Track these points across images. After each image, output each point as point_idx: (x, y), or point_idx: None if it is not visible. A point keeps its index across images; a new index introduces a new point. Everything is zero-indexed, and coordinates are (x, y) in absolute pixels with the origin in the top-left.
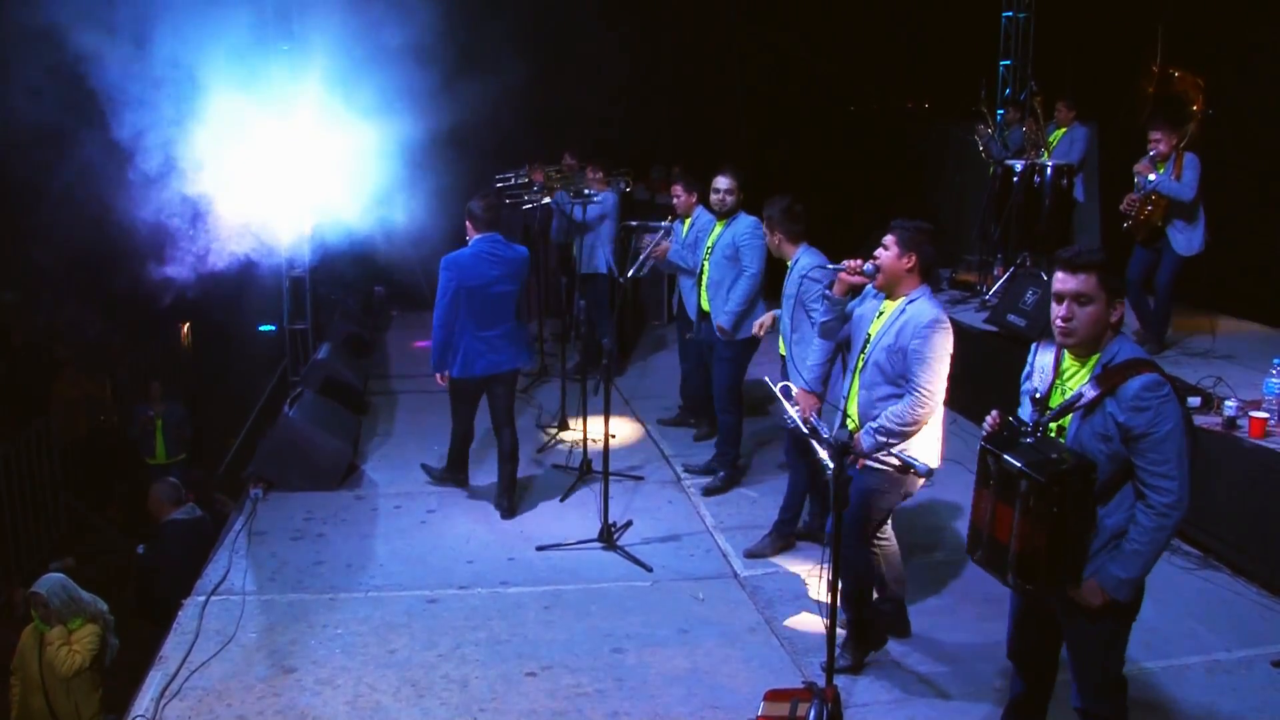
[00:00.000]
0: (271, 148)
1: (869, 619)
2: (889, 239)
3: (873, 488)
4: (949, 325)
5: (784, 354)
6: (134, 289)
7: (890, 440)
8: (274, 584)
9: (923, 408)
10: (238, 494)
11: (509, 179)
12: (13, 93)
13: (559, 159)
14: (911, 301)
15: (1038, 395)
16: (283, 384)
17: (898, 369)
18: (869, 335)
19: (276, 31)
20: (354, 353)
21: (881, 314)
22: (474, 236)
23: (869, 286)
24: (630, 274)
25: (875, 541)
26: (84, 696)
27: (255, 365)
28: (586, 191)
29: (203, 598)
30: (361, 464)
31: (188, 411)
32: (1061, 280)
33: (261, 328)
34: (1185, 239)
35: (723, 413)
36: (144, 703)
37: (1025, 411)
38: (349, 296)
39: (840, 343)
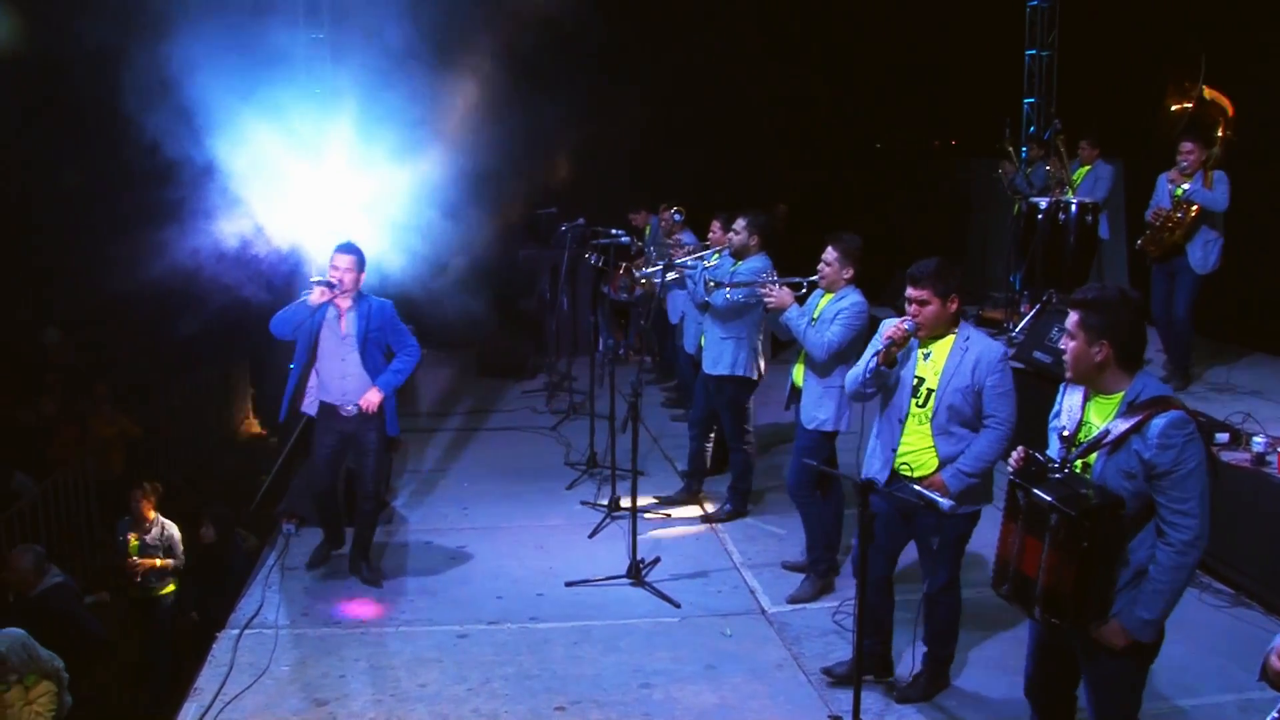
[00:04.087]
0: (304, 187)
1: (949, 656)
2: (922, 293)
3: (966, 533)
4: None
5: (798, 385)
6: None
7: (976, 479)
8: (306, 618)
9: (1005, 441)
10: (267, 529)
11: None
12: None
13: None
14: (968, 339)
15: (1065, 433)
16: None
17: (975, 408)
18: (919, 379)
19: (308, 75)
20: None
21: (929, 355)
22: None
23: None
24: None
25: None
26: None
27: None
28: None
29: (236, 631)
30: (392, 500)
31: (175, 535)
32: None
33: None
34: (1202, 256)
35: (734, 451)
36: None
37: (1053, 449)
38: None
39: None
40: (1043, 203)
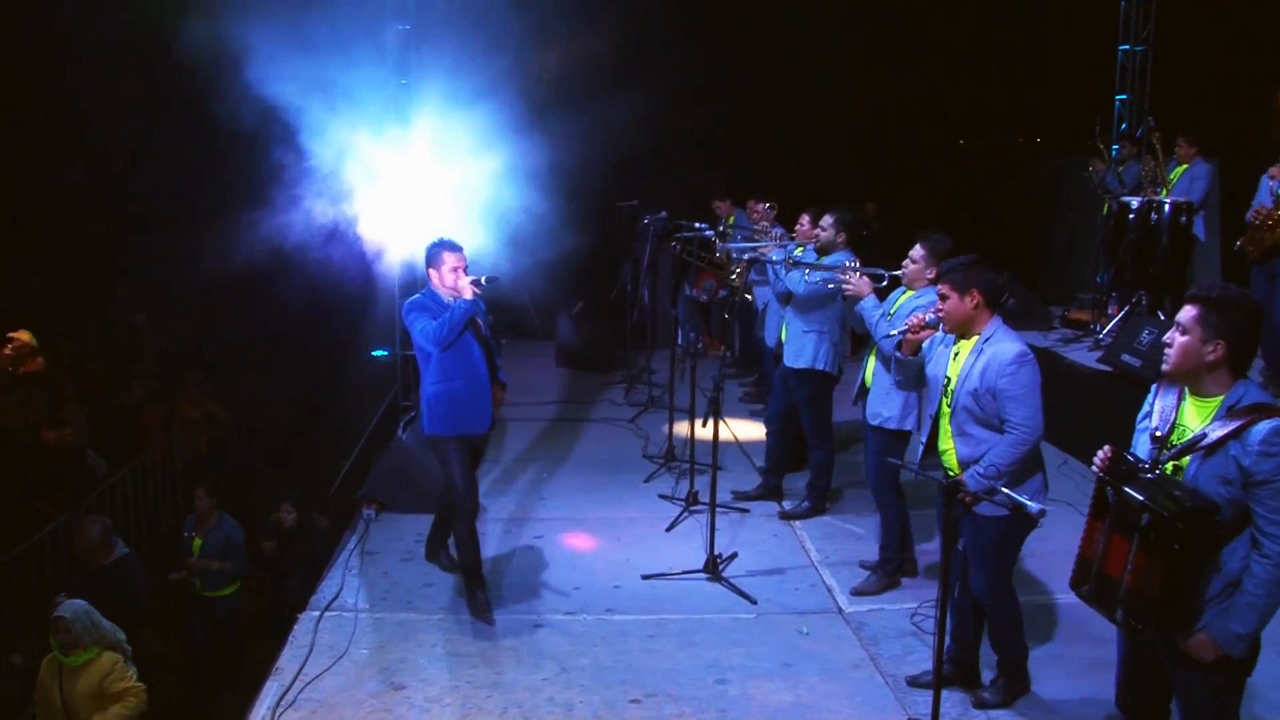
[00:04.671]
0: (387, 179)
1: (1021, 659)
2: (944, 288)
3: (1001, 537)
4: (1033, 356)
5: (868, 384)
6: (256, 313)
7: (997, 483)
8: (385, 603)
9: (1026, 445)
10: (347, 514)
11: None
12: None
13: (669, 189)
14: (988, 340)
15: (1158, 434)
16: (393, 408)
17: (989, 411)
18: (948, 379)
19: (395, 66)
20: None
21: (957, 355)
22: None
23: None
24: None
25: None
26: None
27: (366, 389)
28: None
29: (317, 613)
30: None
31: (237, 539)
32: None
33: (374, 352)
34: None
35: (814, 449)
36: (261, 711)
37: (1141, 450)
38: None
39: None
40: (1134, 202)
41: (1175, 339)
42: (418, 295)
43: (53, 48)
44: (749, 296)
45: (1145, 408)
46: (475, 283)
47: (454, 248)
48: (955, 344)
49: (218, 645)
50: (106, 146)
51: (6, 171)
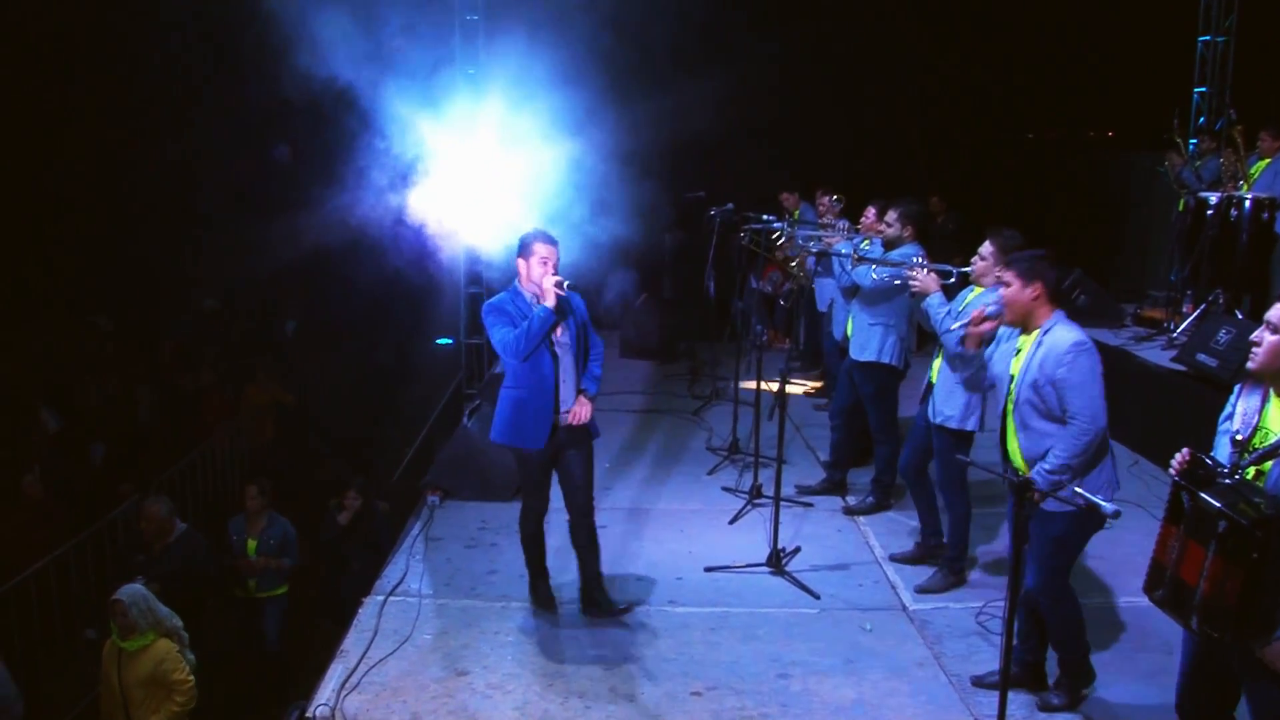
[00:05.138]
0: (454, 168)
1: (1083, 658)
2: (1008, 274)
3: (1062, 534)
4: (1092, 345)
5: (933, 381)
6: (324, 299)
7: (1063, 476)
8: (449, 589)
9: (1088, 435)
10: (410, 501)
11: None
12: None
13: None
14: (1047, 331)
15: (1239, 437)
16: (457, 396)
17: (1050, 402)
18: (1012, 375)
19: (462, 56)
20: None
21: (1020, 350)
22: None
23: (1002, 327)
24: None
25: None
26: (167, 715)
27: (431, 377)
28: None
29: (381, 597)
30: None
31: (292, 534)
32: (1272, 309)
33: (439, 341)
34: None
35: (879, 444)
36: (326, 692)
37: (1221, 453)
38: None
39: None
40: (1213, 198)
41: (1265, 337)
42: (499, 295)
43: (126, 39)
44: (810, 286)
45: (1227, 409)
46: (558, 285)
47: (547, 239)
48: (1019, 340)
49: (268, 648)
50: (179, 135)
51: (81, 158)
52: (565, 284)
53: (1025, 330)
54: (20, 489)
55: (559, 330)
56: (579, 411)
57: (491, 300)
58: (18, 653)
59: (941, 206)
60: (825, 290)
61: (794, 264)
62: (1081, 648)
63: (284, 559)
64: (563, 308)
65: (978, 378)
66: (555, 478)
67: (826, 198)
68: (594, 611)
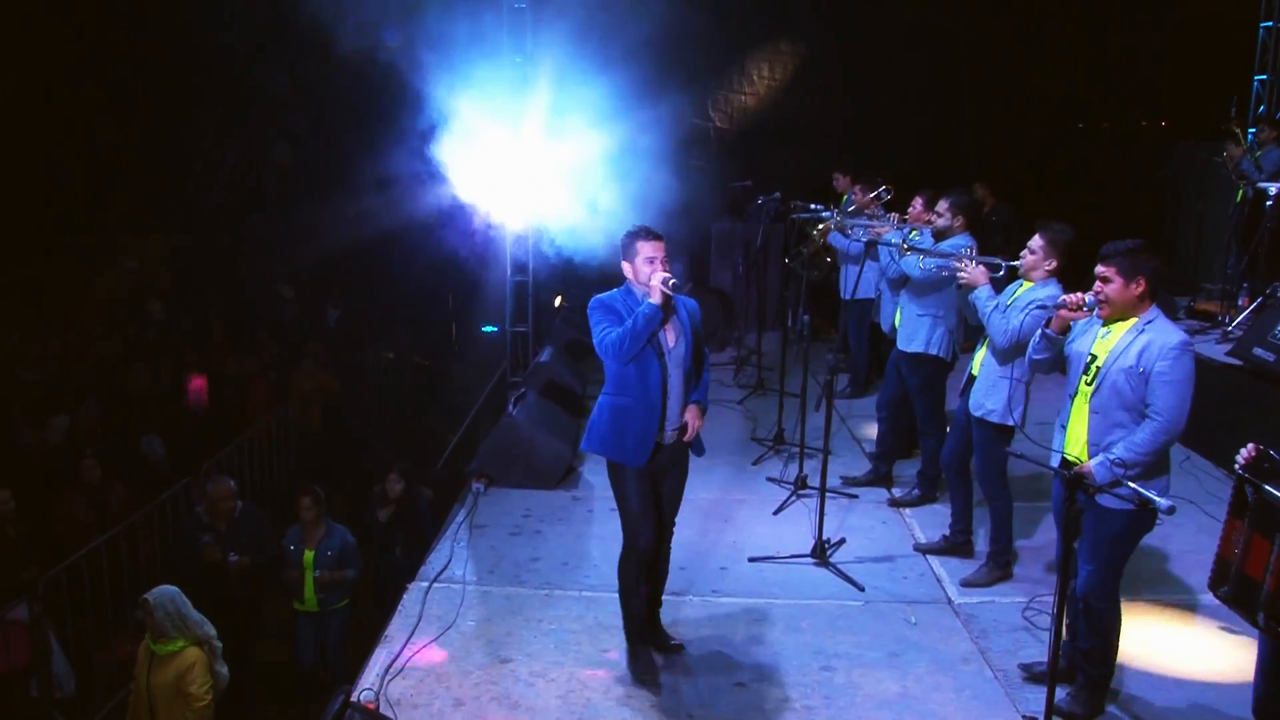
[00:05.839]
0: (501, 156)
1: (1108, 675)
2: (1108, 270)
3: (1119, 534)
4: (1193, 346)
5: (975, 374)
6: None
7: (1128, 472)
8: (493, 576)
9: (1167, 435)
10: (454, 488)
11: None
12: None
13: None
14: (1149, 323)
15: None
16: (502, 384)
17: (1138, 393)
18: (1093, 356)
19: (509, 44)
20: (574, 357)
21: (1108, 334)
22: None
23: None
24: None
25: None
26: None
27: (475, 365)
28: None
29: (426, 584)
30: (579, 466)
31: (352, 543)
32: None
33: (484, 329)
34: None
35: (925, 436)
36: (370, 677)
37: None
38: (571, 302)
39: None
40: (1272, 188)
41: None
42: (608, 292)
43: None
44: (829, 260)
45: None
46: (666, 282)
47: (649, 235)
48: (1106, 324)
49: (330, 664)
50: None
51: (134, 144)
52: (673, 283)
53: (1117, 321)
54: (76, 472)
55: (671, 338)
56: (692, 423)
57: (600, 296)
58: (71, 632)
59: (988, 197)
60: (850, 278)
61: (817, 232)
62: (1110, 665)
63: (346, 570)
64: (671, 307)
65: (1051, 362)
66: None
67: (857, 188)
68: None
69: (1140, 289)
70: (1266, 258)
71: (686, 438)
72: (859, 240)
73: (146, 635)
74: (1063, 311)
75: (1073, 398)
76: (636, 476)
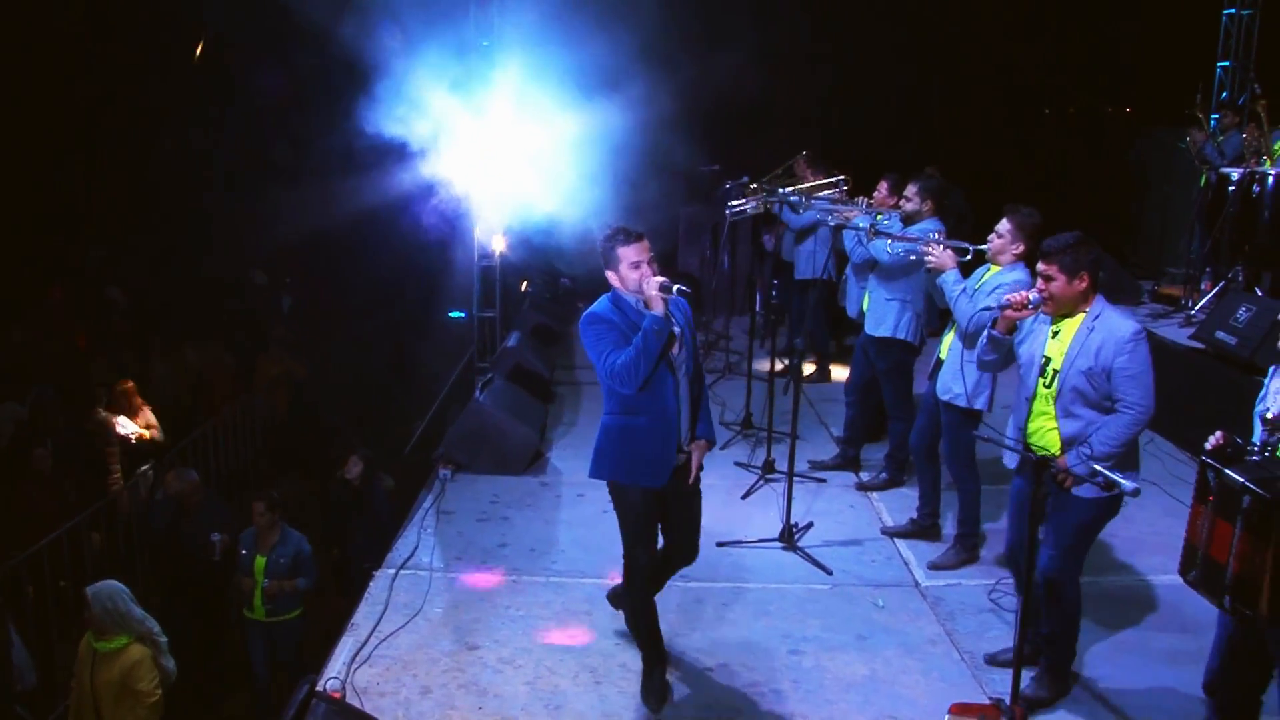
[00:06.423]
0: (468, 141)
1: (1069, 659)
2: (1050, 268)
3: (1087, 521)
4: (1145, 332)
5: (943, 358)
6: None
7: (1104, 463)
8: (460, 562)
9: (1139, 425)
10: (421, 474)
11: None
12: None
13: (758, 155)
14: (1098, 318)
15: (1270, 415)
16: (469, 370)
17: (1101, 390)
18: (1047, 358)
19: (477, 28)
20: (542, 342)
21: (1058, 333)
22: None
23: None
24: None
25: None
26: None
27: (441, 350)
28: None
29: (392, 571)
30: (547, 451)
31: (307, 551)
32: None
33: (451, 314)
34: None
35: (893, 420)
36: (337, 665)
37: (1258, 436)
38: (538, 287)
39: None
40: (1235, 174)
41: None
42: (596, 304)
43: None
44: (784, 225)
45: (1262, 392)
46: (664, 287)
47: (628, 238)
48: (1055, 323)
49: (279, 679)
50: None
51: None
52: (676, 287)
53: (1065, 316)
54: (30, 463)
55: (675, 346)
56: (695, 462)
57: (591, 311)
58: (30, 624)
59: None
60: (804, 260)
61: (766, 198)
62: (1072, 648)
63: (298, 580)
64: (671, 315)
65: (1000, 362)
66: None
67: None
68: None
69: (1084, 284)
70: (1229, 242)
71: (691, 480)
72: (826, 222)
73: (88, 633)
74: (1008, 312)
75: (1030, 400)
76: (644, 495)
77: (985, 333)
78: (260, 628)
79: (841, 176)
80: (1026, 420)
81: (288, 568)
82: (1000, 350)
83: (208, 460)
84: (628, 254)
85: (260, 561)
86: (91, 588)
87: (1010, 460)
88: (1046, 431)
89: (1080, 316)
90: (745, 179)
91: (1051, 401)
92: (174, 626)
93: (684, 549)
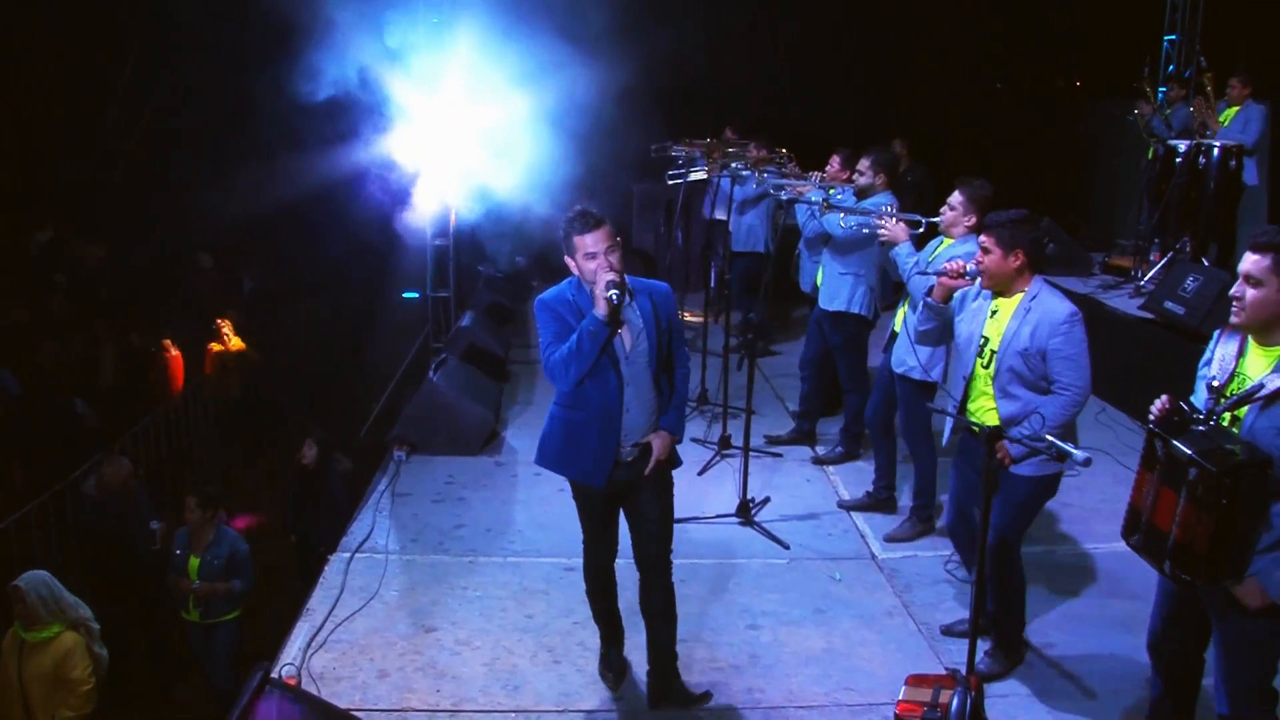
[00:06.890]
0: (419, 119)
1: (1020, 631)
2: (988, 241)
3: (1028, 498)
4: (1081, 315)
5: (898, 330)
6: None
7: (1041, 444)
8: (416, 545)
9: (1076, 406)
10: (377, 457)
11: (666, 151)
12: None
13: (716, 133)
14: (1034, 299)
15: (1215, 383)
16: (424, 350)
17: (1037, 371)
18: (985, 338)
19: (425, 5)
20: (496, 321)
21: (996, 313)
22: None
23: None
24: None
25: None
26: (71, 712)
27: (396, 331)
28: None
29: (348, 554)
30: (502, 431)
31: (243, 550)
32: (1243, 260)
33: (405, 294)
34: None
35: (848, 393)
36: (292, 651)
37: (1199, 400)
38: (492, 266)
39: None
40: (1182, 146)
41: (1246, 292)
42: (558, 286)
43: None
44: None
45: (1206, 355)
46: (611, 287)
47: (586, 225)
48: (993, 302)
49: (213, 683)
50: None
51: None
52: (630, 293)
53: (1001, 294)
54: None
55: (629, 340)
56: (655, 453)
57: (545, 296)
58: None
59: (905, 155)
60: (743, 233)
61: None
62: (1021, 620)
63: (233, 581)
64: (620, 316)
65: (938, 332)
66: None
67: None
68: (665, 700)
69: (1018, 262)
70: (1176, 214)
71: (646, 471)
72: (779, 196)
73: (14, 625)
74: (944, 279)
75: (968, 379)
76: (590, 496)
77: (921, 302)
78: (197, 630)
79: (783, 151)
80: (965, 400)
81: (222, 568)
82: (938, 318)
83: (157, 448)
84: (584, 243)
85: (194, 562)
86: (22, 578)
87: (948, 440)
88: (985, 411)
89: (1018, 297)
90: (698, 155)
91: (989, 382)
92: (116, 616)
93: (648, 550)
